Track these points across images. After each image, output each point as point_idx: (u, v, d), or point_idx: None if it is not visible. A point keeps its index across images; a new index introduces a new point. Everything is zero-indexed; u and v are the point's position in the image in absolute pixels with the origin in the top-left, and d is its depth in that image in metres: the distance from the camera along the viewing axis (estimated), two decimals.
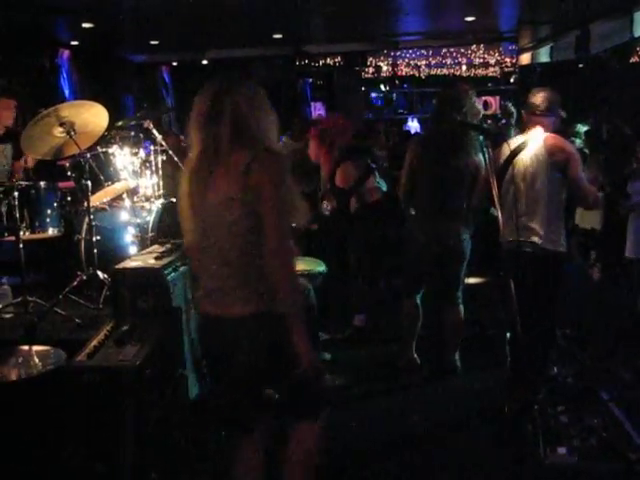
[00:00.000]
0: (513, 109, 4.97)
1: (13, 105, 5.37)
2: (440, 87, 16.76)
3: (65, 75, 9.62)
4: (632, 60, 8.78)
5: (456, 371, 4.65)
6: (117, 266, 3.37)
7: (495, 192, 3.46)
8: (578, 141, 7.75)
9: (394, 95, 18.37)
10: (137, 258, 3.56)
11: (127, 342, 2.69)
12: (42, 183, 4.62)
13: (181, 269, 3.45)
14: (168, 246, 3.69)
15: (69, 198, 4.96)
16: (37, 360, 2.96)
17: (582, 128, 7.74)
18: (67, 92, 9.57)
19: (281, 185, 2.27)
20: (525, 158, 3.98)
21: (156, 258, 3.43)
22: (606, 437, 3.73)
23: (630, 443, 3.68)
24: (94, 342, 2.73)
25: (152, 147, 5.46)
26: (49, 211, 4.63)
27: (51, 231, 4.65)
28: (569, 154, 3.95)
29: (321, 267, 4.87)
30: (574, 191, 4.04)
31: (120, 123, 5.43)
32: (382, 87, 17.70)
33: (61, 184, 4.96)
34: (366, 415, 4.20)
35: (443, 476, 3.58)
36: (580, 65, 10.23)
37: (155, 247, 3.78)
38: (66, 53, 9.77)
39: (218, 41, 10.98)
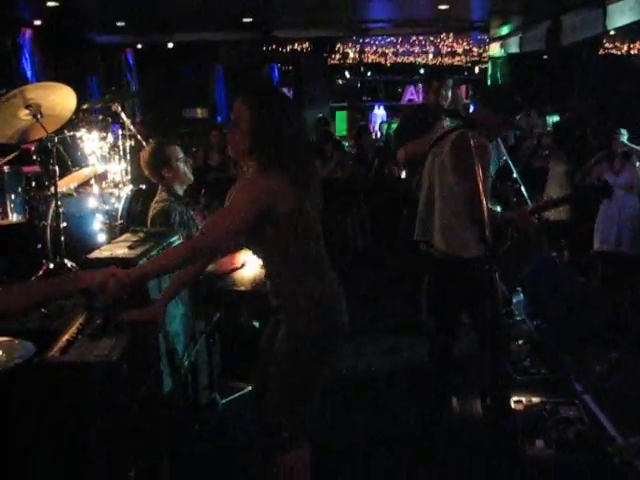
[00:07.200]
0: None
1: None
2: (406, 75, 16.91)
3: (27, 55, 9.32)
4: (601, 52, 8.84)
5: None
6: (89, 256, 3.22)
7: None
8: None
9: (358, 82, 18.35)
10: (109, 247, 3.41)
11: (101, 336, 2.57)
12: (6, 167, 4.47)
13: None
14: (141, 235, 3.55)
15: (34, 183, 4.77)
16: (2, 353, 2.82)
17: (551, 119, 7.80)
18: (29, 73, 9.29)
19: None
20: None
21: (129, 247, 3.29)
22: (582, 429, 3.74)
23: (606, 435, 3.70)
24: (67, 336, 2.61)
25: (120, 131, 5.31)
26: (13, 196, 4.49)
27: (15, 217, 4.50)
28: None
29: None
30: None
31: (86, 106, 5.26)
32: (347, 74, 17.63)
33: (25, 168, 4.79)
34: (355, 414, 4.20)
35: (423, 471, 3.56)
36: (545, 57, 10.27)
37: (128, 236, 3.63)
38: (28, 32, 9.47)
39: (185, 24, 10.76)
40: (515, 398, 4.15)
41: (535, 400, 4.13)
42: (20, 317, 2.55)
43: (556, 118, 8.70)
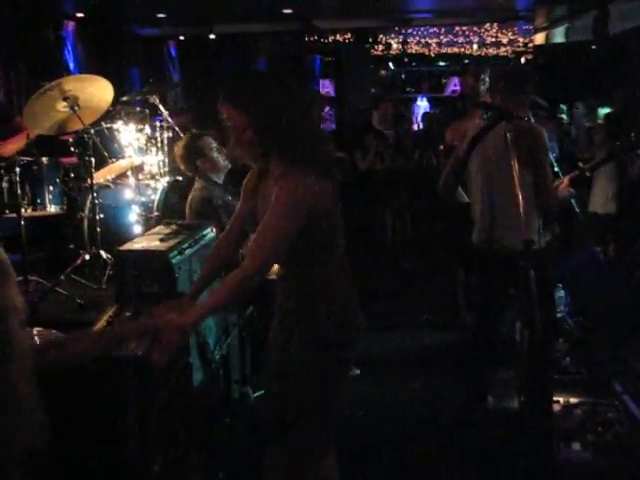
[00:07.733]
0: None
1: None
2: (450, 66, 16.68)
3: (70, 48, 9.42)
4: None
5: None
6: (121, 248, 3.24)
7: None
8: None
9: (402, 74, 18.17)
10: (142, 240, 3.43)
11: None
12: (44, 159, 4.53)
13: (187, 252, 3.33)
14: (174, 227, 3.56)
15: (72, 174, 4.84)
16: (38, 343, 2.84)
17: (603, 111, 7.59)
18: (72, 65, 9.38)
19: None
20: None
21: (161, 240, 3.30)
22: (621, 432, 3.62)
23: None
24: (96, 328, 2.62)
25: (158, 123, 5.33)
26: (51, 188, 4.55)
27: (53, 208, 4.57)
28: None
29: None
30: None
31: (125, 98, 5.32)
32: (391, 65, 17.48)
33: (64, 160, 4.85)
34: (377, 407, 4.17)
35: (456, 472, 3.51)
36: (593, 47, 10.01)
37: (160, 228, 3.65)
38: (71, 25, 9.56)
39: (226, 15, 10.76)
40: (553, 398, 4.06)
41: (573, 400, 4.02)
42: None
43: (607, 110, 8.44)
